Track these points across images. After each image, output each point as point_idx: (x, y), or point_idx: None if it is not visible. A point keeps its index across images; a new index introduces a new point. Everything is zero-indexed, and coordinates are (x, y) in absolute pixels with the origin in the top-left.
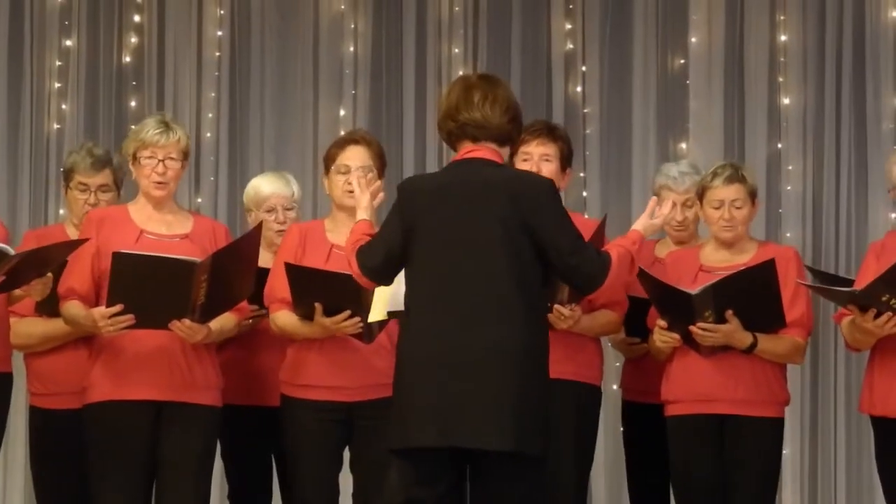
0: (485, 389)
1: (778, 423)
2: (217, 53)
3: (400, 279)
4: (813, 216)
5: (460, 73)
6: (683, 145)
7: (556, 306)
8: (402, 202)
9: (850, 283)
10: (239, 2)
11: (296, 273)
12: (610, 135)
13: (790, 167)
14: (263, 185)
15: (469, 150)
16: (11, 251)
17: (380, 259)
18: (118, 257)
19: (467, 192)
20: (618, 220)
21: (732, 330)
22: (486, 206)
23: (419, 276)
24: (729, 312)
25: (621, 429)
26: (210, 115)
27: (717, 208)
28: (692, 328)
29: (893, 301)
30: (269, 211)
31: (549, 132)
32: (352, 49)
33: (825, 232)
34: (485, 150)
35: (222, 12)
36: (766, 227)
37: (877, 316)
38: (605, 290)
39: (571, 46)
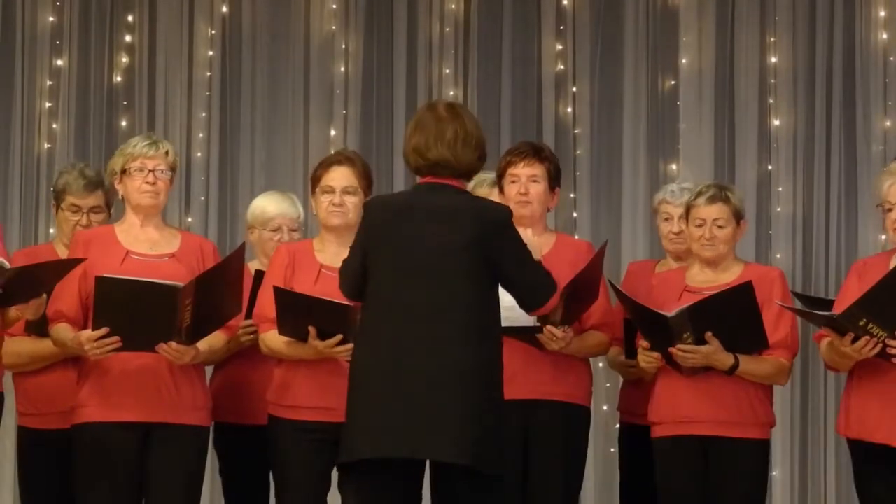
0: (442, 406)
1: (762, 445)
2: (208, 73)
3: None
4: (803, 238)
5: (451, 93)
6: (674, 166)
7: (547, 327)
8: (368, 220)
9: (832, 305)
10: (230, 22)
11: (284, 297)
12: (600, 156)
13: (780, 189)
14: (270, 205)
15: (436, 178)
16: (7, 264)
17: (351, 276)
18: (101, 282)
19: (430, 215)
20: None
21: (712, 351)
22: (447, 228)
23: (379, 293)
24: (708, 334)
25: (611, 450)
26: (201, 134)
27: (700, 226)
28: (672, 350)
29: (871, 325)
30: (273, 230)
31: (536, 153)
32: (342, 69)
33: (815, 253)
34: (450, 180)
35: (213, 32)
36: (756, 248)
37: (855, 340)
38: (596, 311)
39: (562, 67)
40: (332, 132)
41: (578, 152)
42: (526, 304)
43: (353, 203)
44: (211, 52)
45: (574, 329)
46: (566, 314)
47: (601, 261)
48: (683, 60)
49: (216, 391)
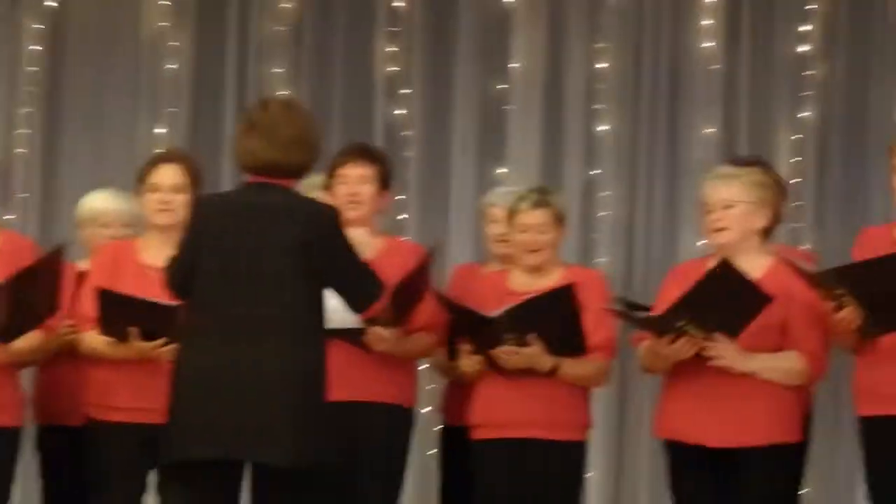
0: (266, 408)
1: (580, 447)
2: (33, 68)
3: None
4: (626, 241)
5: (282, 93)
6: (502, 170)
7: (374, 329)
8: (195, 219)
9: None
10: (57, 17)
11: (106, 297)
12: (430, 158)
13: (605, 193)
14: (101, 203)
15: (266, 178)
16: None
17: (178, 275)
18: None
19: (259, 215)
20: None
21: (534, 353)
22: (275, 229)
23: (205, 293)
24: (531, 336)
25: (431, 452)
26: (23, 131)
27: (524, 232)
28: (494, 352)
29: (689, 326)
30: (104, 227)
31: (367, 154)
32: (171, 67)
33: (637, 257)
34: (280, 179)
35: (40, 27)
36: (580, 252)
37: (673, 341)
38: (423, 313)
39: (394, 69)
40: (161, 130)
41: (408, 154)
42: (354, 305)
43: (181, 202)
44: (36, 47)
45: (401, 331)
46: (393, 316)
47: (429, 263)
48: (513, 64)
49: (40, 392)
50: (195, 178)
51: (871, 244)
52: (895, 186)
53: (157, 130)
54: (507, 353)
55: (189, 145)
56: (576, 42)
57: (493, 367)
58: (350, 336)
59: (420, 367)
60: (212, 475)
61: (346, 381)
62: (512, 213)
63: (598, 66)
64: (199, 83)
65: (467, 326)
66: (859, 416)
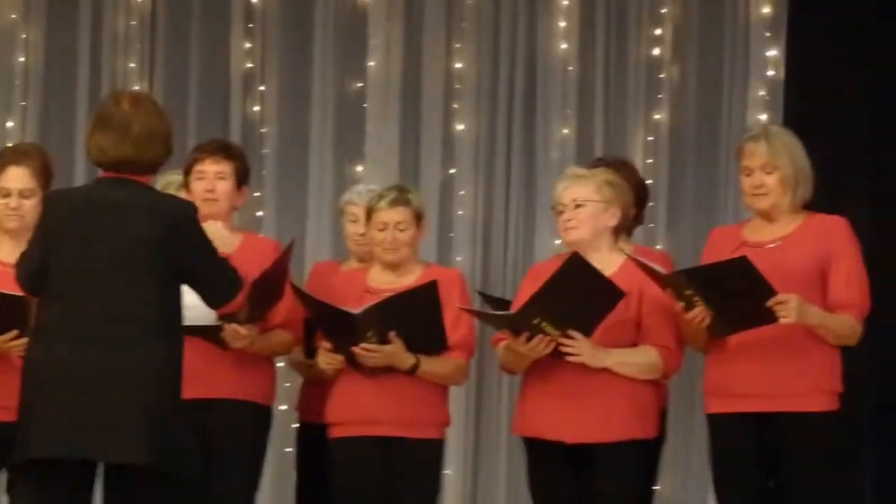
0: (120, 406)
1: (438, 444)
2: None
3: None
4: (483, 241)
5: (136, 88)
6: (359, 168)
7: (231, 326)
8: (46, 215)
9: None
10: None
11: None
12: (287, 155)
13: (462, 192)
14: None
15: (119, 173)
16: None
17: (28, 270)
18: None
19: (112, 210)
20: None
21: (395, 351)
22: (129, 224)
23: (58, 289)
24: (392, 333)
25: (288, 450)
26: None
27: (382, 230)
28: (355, 349)
29: (544, 324)
30: None
31: (224, 150)
32: (22, 59)
33: (494, 256)
34: (134, 175)
35: None
36: (438, 250)
37: (530, 339)
38: (281, 310)
39: (250, 65)
40: (10, 124)
41: (265, 151)
42: (211, 301)
43: (31, 205)
44: None
45: (258, 328)
46: (251, 313)
47: (287, 260)
48: (371, 63)
49: None
50: (45, 176)
51: (719, 244)
52: (744, 188)
53: (8, 124)
54: (368, 351)
55: (41, 139)
56: (433, 41)
57: (353, 364)
58: (207, 333)
59: (277, 365)
60: (63, 475)
61: (202, 378)
62: (370, 211)
63: (455, 65)
64: (50, 77)
65: (327, 323)
66: (707, 414)
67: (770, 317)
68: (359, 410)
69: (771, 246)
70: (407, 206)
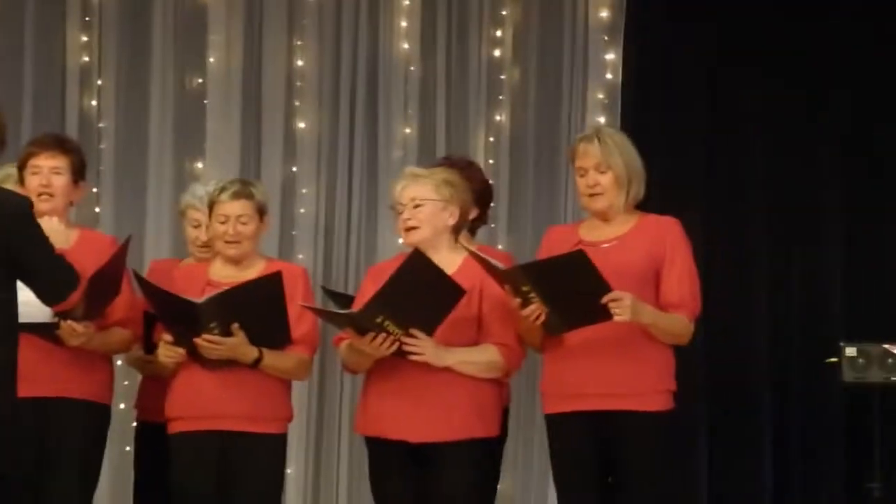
0: None
1: (279, 440)
2: None
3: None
4: (325, 238)
5: None
6: (200, 165)
7: (68, 323)
8: None
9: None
10: None
11: None
12: (126, 151)
13: (304, 190)
14: None
15: None
16: None
17: None
18: None
19: None
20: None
21: (238, 343)
22: None
23: None
24: (235, 326)
25: (127, 448)
26: None
27: (224, 223)
28: (197, 340)
29: (387, 323)
30: None
31: (59, 144)
32: None
33: (336, 255)
34: None
35: None
36: (280, 248)
37: (375, 338)
38: (120, 307)
39: (87, 59)
40: None
41: (103, 146)
42: (47, 298)
43: None
44: None
45: (95, 325)
46: (88, 309)
47: (124, 255)
48: (211, 59)
49: None
50: None
51: (555, 243)
52: (579, 188)
53: None
54: (210, 343)
55: None
56: (274, 38)
57: (195, 357)
58: (43, 330)
59: (116, 363)
60: None
61: (38, 376)
62: (212, 203)
63: (297, 63)
64: None
65: (168, 314)
66: (545, 414)
67: (604, 314)
68: (199, 404)
69: (606, 246)
70: (249, 199)
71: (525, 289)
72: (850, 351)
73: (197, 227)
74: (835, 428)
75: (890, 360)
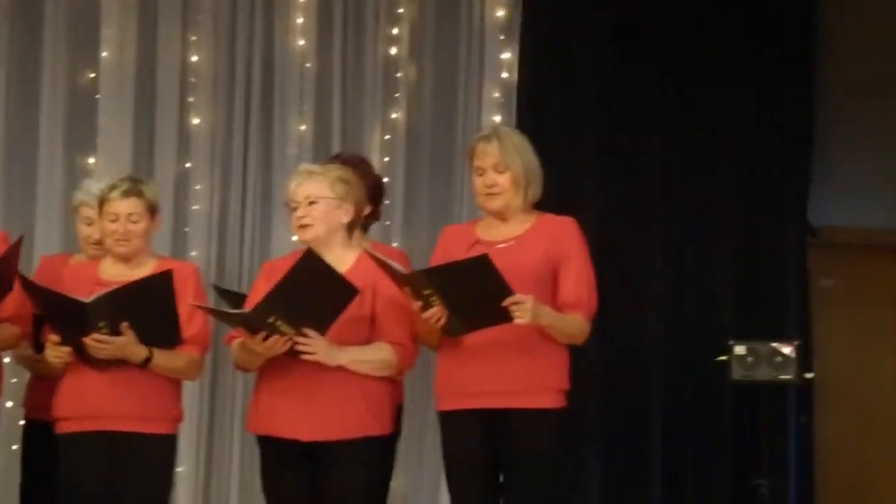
0: None
1: (170, 440)
2: None
3: None
4: (219, 235)
5: None
6: (91, 160)
7: None
8: None
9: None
10: None
11: None
12: (15, 145)
13: (198, 186)
14: None
15: None
16: None
17: None
18: None
19: None
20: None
21: (127, 342)
22: None
23: None
24: (124, 325)
25: (14, 447)
26: None
27: (114, 221)
28: (85, 339)
29: (279, 322)
30: None
31: None
32: None
33: (230, 251)
34: None
35: None
36: (173, 245)
37: (267, 338)
38: (10, 304)
39: None
40: None
41: None
42: None
43: None
44: None
45: None
46: None
47: (16, 253)
48: (104, 53)
49: None
50: None
51: (452, 242)
52: (476, 188)
53: None
54: (99, 342)
55: None
56: (168, 33)
57: (83, 357)
58: None
59: (4, 360)
60: None
61: None
62: (102, 201)
63: (191, 58)
64: None
65: (56, 313)
66: (439, 412)
67: (505, 316)
68: (88, 404)
69: (503, 245)
70: (140, 198)
71: (427, 292)
72: (740, 349)
73: (90, 224)
74: (724, 425)
75: (778, 359)
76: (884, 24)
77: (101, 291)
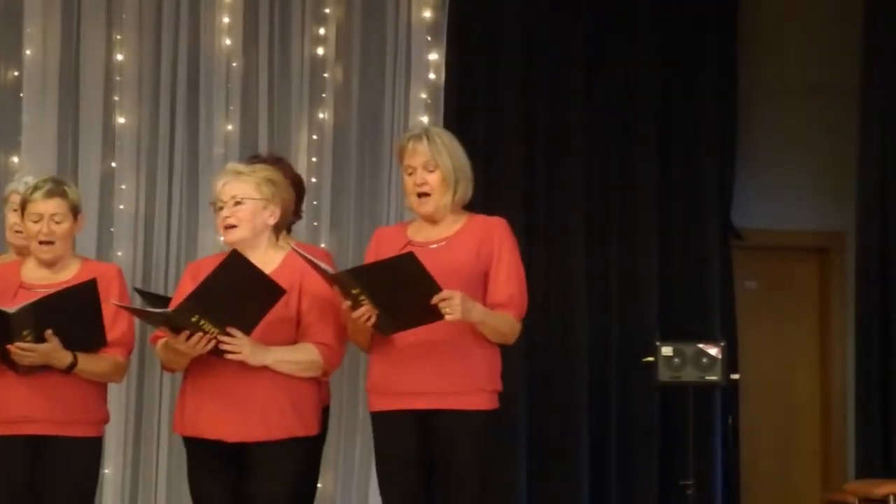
0: None
1: (95, 443)
2: None
3: None
4: (144, 236)
5: None
6: (15, 159)
7: None
8: None
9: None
10: None
11: None
12: None
13: (123, 186)
14: None
15: None
16: None
17: None
18: None
19: None
20: None
21: (51, 349)
22: None
23: None
24: (48, 332)
25: None
26: None
27: (37, 222)
28: (10, 347)
29: (203, 322)
30: None
31: None
32: None
33: (156, 251)
34: None
35: None
36: (98, 245)
37: (189, 337)
38: None
39: None
40: None
41: None
42: None
43: None
44: None
45: None
46: None
47: None
48: (27, 51)
49: None
50: None
51: (384, 243)
52: (407, 187)
53: None
54: (23, 350)
55: None
56: (93, 31)
57: (7, 363)
58: None
59: None
60: None
61: None
62: (25, 202)
63: (116, 57)
64: None
65: None
66: (371, 412)
67: (435, 314)
68: (11, 409)
69: (435, 246)
70: (63, 198)
71: (355, 291)
72: (666, 350)
73: (15, 210)
74: (650, 426)
75: (704, 360)
76: (806, 29)
77: (24, 302)
